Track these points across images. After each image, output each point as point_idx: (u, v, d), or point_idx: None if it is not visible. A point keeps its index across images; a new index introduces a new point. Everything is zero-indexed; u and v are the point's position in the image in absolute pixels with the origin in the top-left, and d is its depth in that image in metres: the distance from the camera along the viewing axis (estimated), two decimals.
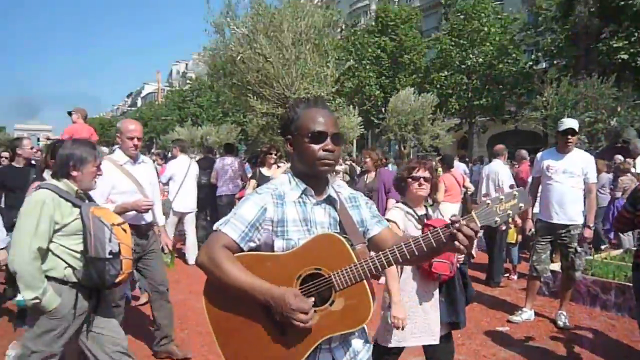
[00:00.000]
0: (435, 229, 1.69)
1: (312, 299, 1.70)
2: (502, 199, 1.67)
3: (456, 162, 17.80)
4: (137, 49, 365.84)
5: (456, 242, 1.61)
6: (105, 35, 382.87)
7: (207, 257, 1.75)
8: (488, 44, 26.81)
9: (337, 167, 26.69)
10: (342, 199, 1.96)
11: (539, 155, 5.93)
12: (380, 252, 1.73)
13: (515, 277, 7.63)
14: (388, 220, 3.00)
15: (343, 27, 39.70)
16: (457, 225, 1.62)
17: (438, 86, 28.40)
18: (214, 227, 1.84)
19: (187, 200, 8.26)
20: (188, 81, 55.47)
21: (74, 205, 2.91)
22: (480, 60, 27.11)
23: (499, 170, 7.38)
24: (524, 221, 6.21)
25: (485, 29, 26.71)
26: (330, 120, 1.86)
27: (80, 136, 8.49)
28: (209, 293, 1.83)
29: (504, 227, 7.17)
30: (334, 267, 1.71)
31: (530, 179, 6.65)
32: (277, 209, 1.82)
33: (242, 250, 1.79)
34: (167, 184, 8.24)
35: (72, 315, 2.87)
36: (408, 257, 1.71)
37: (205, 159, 10.52)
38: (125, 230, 3.04)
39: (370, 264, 1.70)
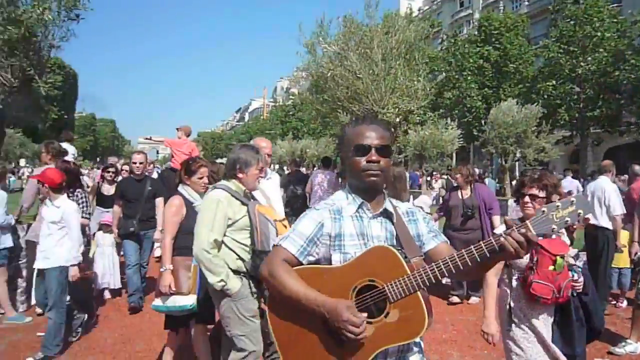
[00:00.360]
0: (489, 238, 1.69)
1: (365, 313, 1.71)
2: (558, 205, 1.65)
3: (569, 179, 16.63)
4: (245, 67, 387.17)
5: (507, 247, 1.62)
6: (219, 56, 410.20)
7: (267, 270, 1.84)
8: (602, 50, 24.74)
9: (434, 183, 26.29)
10: (399, 213, 1.98)
11: None
12: (434, 264, 1.73)
13: (623, 304, 6.98)
14: None
15: (443, 37, 39.01)
16: (507, 231, 1.64)
17: (545, 96, 26.74)
18: (275, 242, 1.97)
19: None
20: (291, 96, 57.64)
21: (242, 203, 3.22)
22: (593, 68, 25.05)
23: (605, 188, 6.77)
24: (631, 244, 5.69)
25: (599, 34, 24.70)
26: (376, 134, 1.88)
27: (179, 150, 9.27)
28: (272, 304, 1.91)
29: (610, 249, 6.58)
30: (388, 278, 1.73)
31: None
32: (335, 224, 1.88)
33: (301, 264, 1.85)
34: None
35: (256, 303, 3.24)
36: (461, 267, 1.70)
37: (298, 172, 10.94)
38: (286, 227, 3.28)
39: (424, 275, 1.70)
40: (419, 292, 1.72)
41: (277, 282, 1.80)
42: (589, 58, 25.33)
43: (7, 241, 5.52)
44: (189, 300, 3.64)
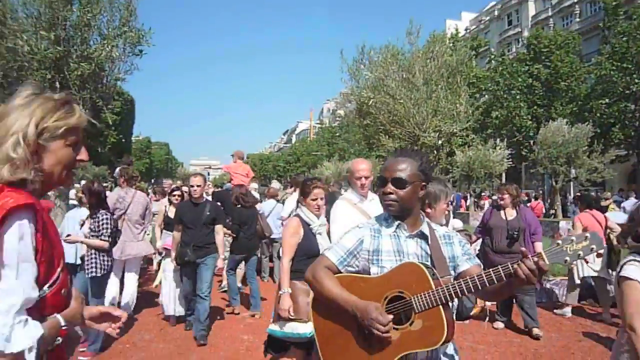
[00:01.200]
0: (506, 263, 1.90)
1: (391, 316, 1.93)
2: (573, 239, 1.80)
3: (632, 199, 15.99)
4: (292, 89, 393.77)
5: (520, 274, 1.80)
6: (266, 78, 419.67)
7: (311, 274, 2.17)
8: None
9: (481, 203, 25.73)
10: (437, 236, 2.20)
11: None
12: (455, 282, 1.94)
13: None
14: (628, 278, 2.46)
15: (491, 56, 38.63)
16: (522, 259, 1.82)
17: (598, 115, 25.95)
18: (322, 252, 2.33)
19: None
20: (337, 118, 58.28)
21: None
22: None
23: None
24: None
25: None
26: (395, 167, 2.12)
27: (236, 172, 10.18)
28: (315, 304, 2.24)
29: None
30: (415, 291, 1.94)
31: None
32: (374, 241, 2.15)
33: (340, 272, 2.15)
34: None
35: None
36: (479, 287, 1.89)
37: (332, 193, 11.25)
38: None
39: (446, 291, 1.90)
40: (440, 307, 1.91)
41: (317, 284, 2.13)
42: None
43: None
44: (309, 328, 3.42)
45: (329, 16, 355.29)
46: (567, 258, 1.80)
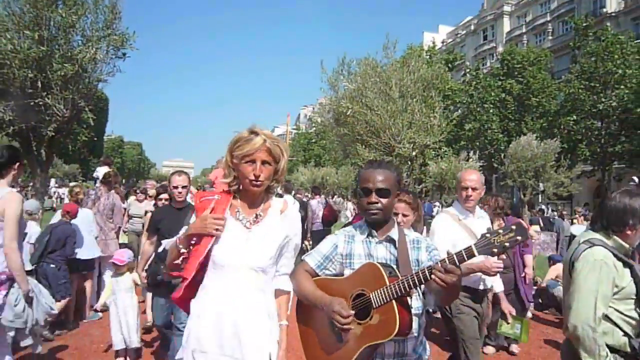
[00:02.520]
0: (443, 259, 2.07)
1: (353, 311, 2.14)
2: (500, 232, 1.92)
3: None
4: (269, 94, 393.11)
5: (435, 279, 1.97)
6: (242, 83, 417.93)
7: (293, 277, 2.40)
8: (623, 87, 24.86)
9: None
10: (407, 240, 2.38)
11: None
12: (403, 277, 2.09)
13: None
14: None
15: (466, 70, 39.55)
16: (449, 256, 2.00)
17: (566, 131, 26.90)
18: (302, 257, 2.52)
19: None
20: (313, 124, 58.59)
21: (625, 264, 2.53)
22: (615, 104, 25.14)
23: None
24: None
25: (620, 71, 24.90)
26: (378, 178, 2.29)
27: (221, 180, 10.27)
28: (298, 306, 2.48)
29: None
30: (373, 289, 2.14)
31: None
32: (347, 246, 2.37)
33: (318, 275, 2.40)
34: None
35: None
36: (423, 281, 2.05)
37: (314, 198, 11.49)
38: None
39: (397, 286, 2.07)
40: (394, 301, 2.08)
41: (297, 286, 2.39)
42: (612, 94, 25.41)
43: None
44: None
45: (308, 22, 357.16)
46: (495, 249, 1.93)
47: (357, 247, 2.36)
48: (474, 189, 3.78)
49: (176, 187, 4.64)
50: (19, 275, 3.37)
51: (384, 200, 2.30)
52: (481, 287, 3.89)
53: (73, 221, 6.12)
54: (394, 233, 2.38)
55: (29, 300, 3.45)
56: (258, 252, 2.24)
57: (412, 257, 2.35)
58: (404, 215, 3.50)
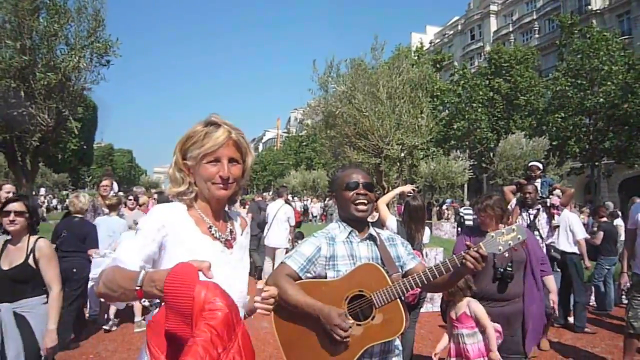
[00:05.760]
0: (452, 255, 2.16)
1: (352, 321, 2.10)
2: (503, 232, 2.09)
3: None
4: (259, 98, 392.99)
5: (467, 264, 2.05)
6: (232, 88, 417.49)
7: (273, 281, 2.22)
8: (609, 83, 25.00)
9: (447, 213, 26.40)
10: (382, 238, 2.42)
11: (633, 206, 5.52)
12: (410, 277, 2.19)
13: None
14: None
15: (454, 69, 39.76)
16: (466, 250, 2.08)
17: (555, 128, 27.04)
18: (282, 260, 2.45)
19: (272, 237, 9.17)
20: (305, 127, 58.67)
21: None
22: (602, 100, 25.24)
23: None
24: (621, 275, 5.86)
25: (606, 67, 25.06)
26: (362, 175, 2.36)
27: None
28: (277, 311, 2.24)
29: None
30: (373, 289, 2.15)
31: None
32: (329, 248, 2.31)
33: (301, 279, 2.28)
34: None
35: None
36: (431, 279, 2.14)
37: (256, 202, 11.34)
38: None
39: (402, 285, 2.14)
40: (398, 300, 2.14)
41: (281, 292, 2.21)
42: (599, 90, 25.54)
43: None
44: None
45: (297, 25, 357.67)
46: (500, 247, 2.09)
47: (340, 248, 2.33)
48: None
49: None
50: None
51: (371, 195, 2.33)
52: None
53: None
54: (373, 232, 2.41)
55: None
56: (244, 283, 1.85)
57: (392, 253, 2.39)
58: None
